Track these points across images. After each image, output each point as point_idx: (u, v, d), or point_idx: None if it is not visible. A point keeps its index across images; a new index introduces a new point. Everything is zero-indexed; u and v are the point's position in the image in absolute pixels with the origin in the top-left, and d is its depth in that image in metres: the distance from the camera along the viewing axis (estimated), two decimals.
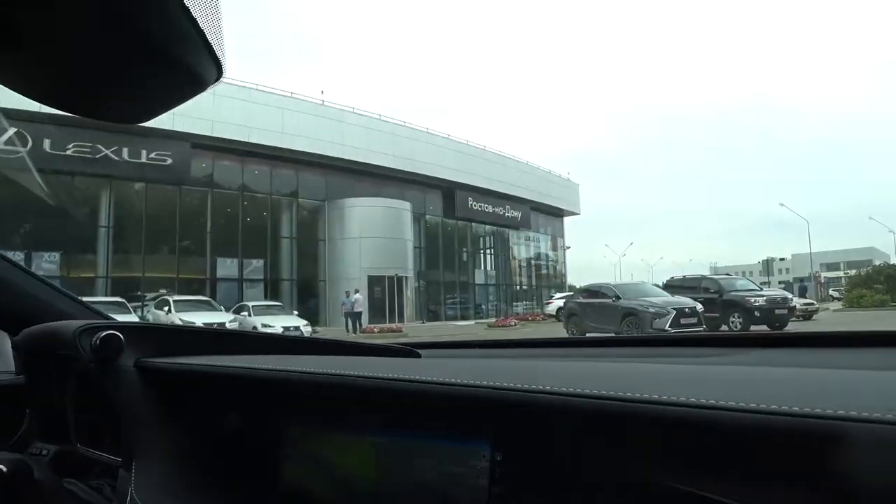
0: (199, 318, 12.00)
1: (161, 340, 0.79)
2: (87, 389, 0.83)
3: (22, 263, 1.04)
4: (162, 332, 0.84)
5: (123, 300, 13.18)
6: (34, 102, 0.50)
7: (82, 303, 1.06)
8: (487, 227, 27.01)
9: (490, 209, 25.89)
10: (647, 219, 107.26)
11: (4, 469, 0.66)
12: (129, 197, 17.85)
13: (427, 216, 24.18)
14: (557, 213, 31.34)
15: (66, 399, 0.88)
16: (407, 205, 21.91)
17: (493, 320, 20.61)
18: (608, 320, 11.36)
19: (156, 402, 0.74)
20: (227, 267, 19.23)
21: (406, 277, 21.06)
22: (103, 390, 0.76)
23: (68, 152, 14.99)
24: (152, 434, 0.72)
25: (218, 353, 0.79)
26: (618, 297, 11.71)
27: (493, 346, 1.22)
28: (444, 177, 23.30)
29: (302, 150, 18.97)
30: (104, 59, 0.43)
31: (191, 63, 0.43)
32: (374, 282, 20.25)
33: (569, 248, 32.72)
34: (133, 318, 11.92)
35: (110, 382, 0.74)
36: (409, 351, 0.94)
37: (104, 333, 0.74)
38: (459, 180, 23.86)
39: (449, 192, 24.19)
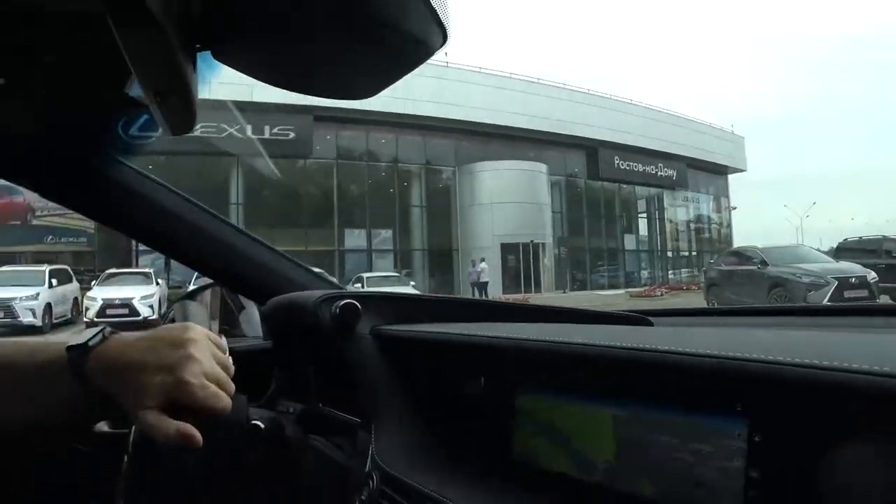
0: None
1: (395, 308, 0.86)
2: (326, 354, 0.91)
3: None
4: (395, 301, 0.90)
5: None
6: None
7: (317, 275, 1.20)
8: (638, 188, 25.76)
9: (640, 168, 24.64)
10: (835, 176, 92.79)
11: (262, 426, 0.73)
12: (255, 173, 19.68)
13: (568, 178, 23.67)
14: (720, 171, 28.94)
15: (308, 362, 0.98)
16: (543, 167, 21.62)
17: (642, 289, 19.88)
18: (752, 291, 10.09)
19: (391, 368, 0.81)
20: (355, 238, 20.62)
21: (543, 244, 20.89)
22: (342, 355, 0.83)
23: (197, 133, 17.08)
24: (389, 398, 0.79)
25: (449, 321, 0.84)
26: (764, 264, 10.22)
27: (730, 314, 1.19)
28: (585, 135, 22.57)
29: (428, 114, 19.45)
30: (333, 36, 0.47)
31: (416, 30, 0.45)
32: (507, 249, 20.37)
33: (734, 208, 30.00)
34: None
35: (348, 348, 0.82)
36: (641, 319, 0.95)
37: (342, 302, 0.81)
38: (603, 138, 22.98)
39: (592, 151, 23.41)
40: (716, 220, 29.39)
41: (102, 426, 0.88)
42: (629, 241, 25.64)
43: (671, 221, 27.24)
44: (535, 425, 0.65)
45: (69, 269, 14.45)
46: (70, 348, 0.61)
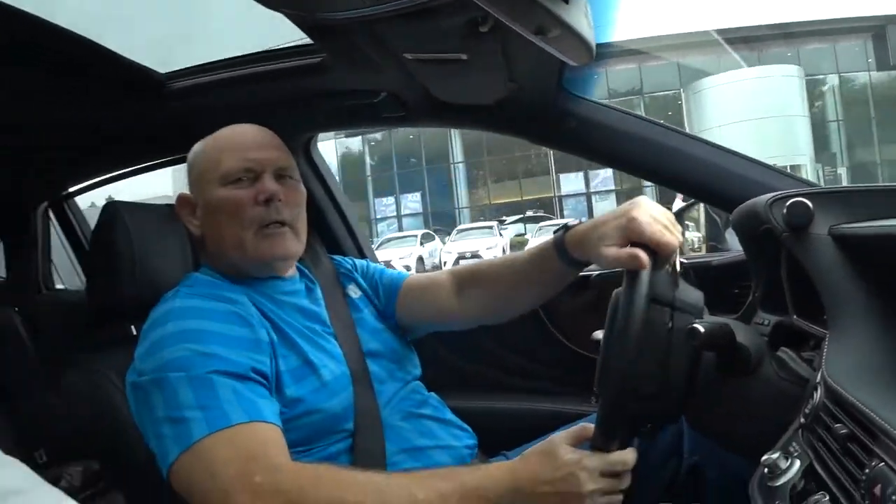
0: (472, 246, 14.07)
1: (859, 205, 0.80)
2: (786, 260, 0.89)
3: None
4: (860, 195, 0.83)
5: (430, 232, 16.58)
6: None
7: (788, 174, 1.16)
8: None
9: None
10: None
11: (701, 329, 0.72)
12: (431, 132, 20.38)
13: (842, 75, 19.38)
14: None
15: (781, 271, 0.94)
16: (793, 69, 18.25)
17: None
18: None
19: (853, 273, 0.74)
20: (571, 182, 20.52)
21: (795, 166, 17.71)
22: (799, 259, 0.80)
23: None
24: (848, 307, 0.73)
25: None
26: None
27: None
28: (864, 14, 17.98)
29: (637, 37, 17.90)
30: None
31: None
32: None
33: None
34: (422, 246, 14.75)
35: (804, 251, 0.79)
36: None
37: (790, 201, 0.79)
38: (893, 12, 18.04)
39: (879, 32, 18.68)
40: None
41: None
42: None
43: None
44: None
45: (432, 232, 18.08)
46: (555, 231, 0.92)
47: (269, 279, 0.94)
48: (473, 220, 19.65)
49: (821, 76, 18.96)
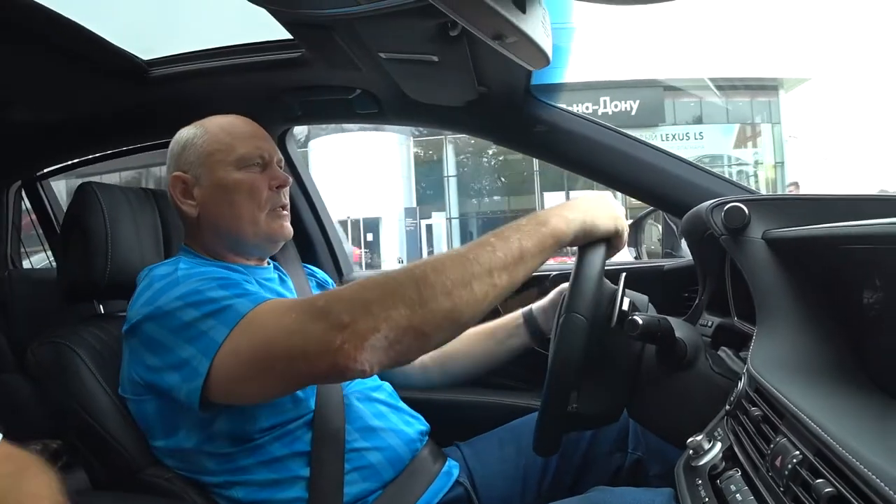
0: None
1: (789, 212, 0.83)
2: (737, 266, 0.87)
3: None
4: (794, 203, 0.85)
5: None
6: None
7: (731, 182, 1.22)
8: None
9: None
10: None
11: (639, 321, 0.77)
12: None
13: (457, 138, 18.51)
14: (759, 86, 17.78)
15: (725, 276, 0.97)
16: (394, 137, 18.09)
17: None
18: None
19: (782, 274, 0.77)
20: None
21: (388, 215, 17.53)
22: (736, 261, 0.82)
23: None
24: (775, 305, 0.76)
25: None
26: None
27: None
28: None
29: None
30: None
31: None
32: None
33: (791, 138, 17.71)
34: None
35: (740, 253, 0.81)
36: None
37: (728, 206, 0.82)
38: None
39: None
40: (743, 160, 18.29)
41: None
42: None
43: None
44: None
45: None
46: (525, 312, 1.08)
47: (247, 266, 0.96)
48: None
49: (440, 136, 19.29)
